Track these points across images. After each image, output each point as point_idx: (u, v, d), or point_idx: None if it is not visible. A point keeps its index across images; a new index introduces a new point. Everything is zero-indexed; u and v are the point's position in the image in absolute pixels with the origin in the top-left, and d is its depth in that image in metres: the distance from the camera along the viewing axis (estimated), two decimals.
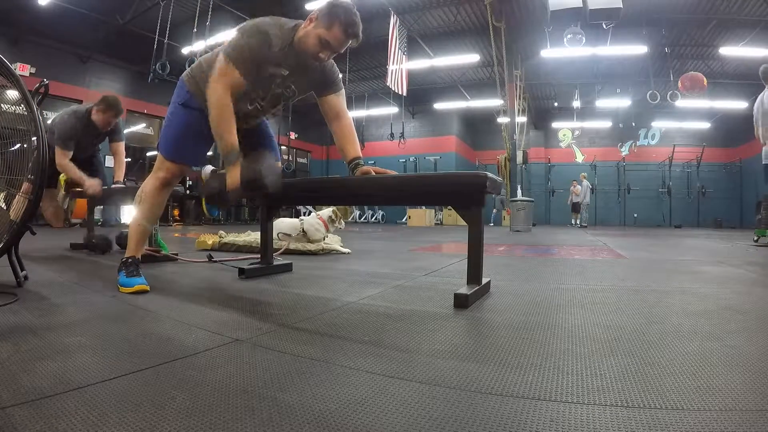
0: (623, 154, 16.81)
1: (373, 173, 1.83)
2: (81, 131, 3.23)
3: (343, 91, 1.99)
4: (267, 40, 1.66)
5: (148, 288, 1.72)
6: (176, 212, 10.77)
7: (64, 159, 3.12)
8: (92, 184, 3.12)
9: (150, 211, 1.90)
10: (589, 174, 16.14)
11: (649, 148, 16.63)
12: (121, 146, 3.60)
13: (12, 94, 1.76)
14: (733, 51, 9.91)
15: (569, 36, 8.38)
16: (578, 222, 13.54)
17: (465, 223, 1.70)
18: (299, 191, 2.36)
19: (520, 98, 11.90)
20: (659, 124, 16.16)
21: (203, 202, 2.40)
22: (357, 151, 1.94)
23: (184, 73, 1.91)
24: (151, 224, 1.96)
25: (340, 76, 2.00)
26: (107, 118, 3.28)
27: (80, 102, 9.93)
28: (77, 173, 3.13)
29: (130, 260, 1.82)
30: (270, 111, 1.97)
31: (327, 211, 3.81)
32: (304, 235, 3.61)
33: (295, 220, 3.75)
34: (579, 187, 13.67)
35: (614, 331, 1.25)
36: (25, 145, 1.77)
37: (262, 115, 1.98)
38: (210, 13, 7.99)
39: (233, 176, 1.63)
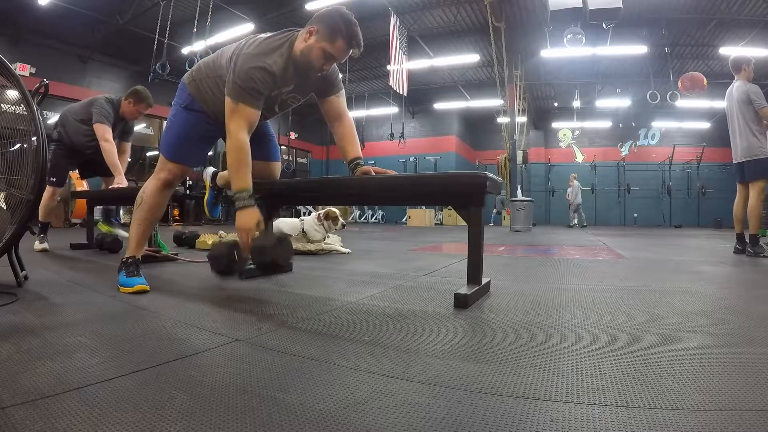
0: (623, 154, 16.80)
1: (373, 173, 1.83)
2: (113, 117, 3.31)
3: (343, 92, 1.99)
4: (266, 72, 1.64)
5: (148, 288, 1.73)
6: (176, 212, 10.77)
7: (108, 135, 3.20)
8: (121, 182, 3.19)
9: (151, 211, 1.90)
10: (589, 174, 16.14)
11: (649, 148, 16.62)
12: (128, 146, 3.68)
13: (12, 94, 1.76)
14: (733, 51, 9.90)
15: (569, 36, 8.37)
16: (576, 222, 13.55)
17: (465, 223, 1.70)
18: (299, 191, 2.36)
19: (520, 98, 11.90)
20: (659, 124, 16.15)
21: (204, 203, 2.40)
22: (357, 151, 1.94)
23: (185, 75, 1.92)
24: (152, 225, 1.96)
25: (340, 77, 2.01)
26: (140, 109, 3.39)
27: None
28: (116, 159, 3.19)
29: (130, 260, 1.83)
30: (274, 115, 1.99)
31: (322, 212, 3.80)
32: (304, 235, 3.61)
33: (295, 220, 3.75)
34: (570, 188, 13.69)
35: (614, 331, 1.25)
36: (25, 145, 1.77)
37: (266, 119, 1.99)
38: (210, 13, 7.99)
39: (244, 217, 1.59)
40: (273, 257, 1.57)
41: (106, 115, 3.24)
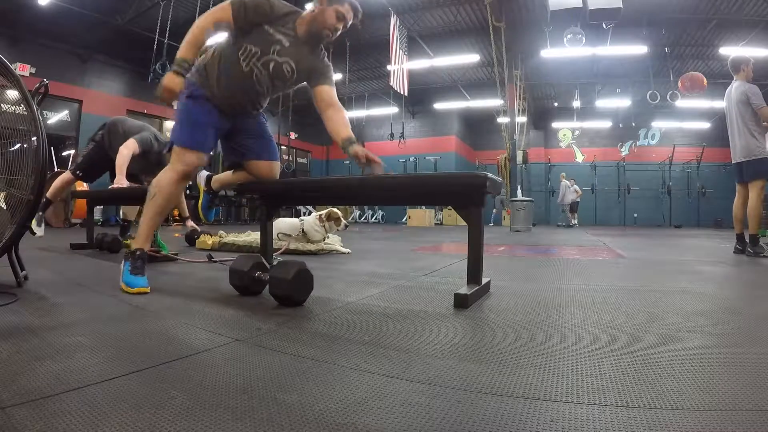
0: (623, 154, 16.80)
1: (364, 157, 1.86)
2: (153, 149, 3.47)
3: (334, 87, 2.09)
4: (270, 1, 1.85)
5: (149, 290, 1.73)
6: (176, 212, 10.75)
7: (129, 149, 3.33)
8: (120, 181, 3.29)
9: (167, 201, 1.88)
10: (589, 174, 16.13)
11: (649, 148, 16.62)
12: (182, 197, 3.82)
13: (12, 94, 1.76)
14: (733, 51, 9.90)
15: (569, 36, 8.38)
16: (575, 222, 13.57)
17: (465, 223, 1.70)
18: (299, 191, 2.36)
19: (520, 98, 11.90)
20: (659, 124, 16.15)
21: (199, 207, 2.40)
22: (350, 132, 1.99)
23: (186, 75, 1.93)
24: (163, 218, 1.97)
25: (332, 72, 2.09)
26: None
27: (80, 102, 9.94)
28: (123, 167, 3.30)
29: (138, 253, 1.82)
30: (269, 87, 1.98)
31: (323, 212, 3.80)
32: (304, 235, 3.61)
33: (295, 220, 3.75)
34: (576, 186, 13.67)
35: (614, 331, 1.25)
36: (25, 145, 1.77)
37: (262, 91, 1.98)
38: None
39: (172, 79, 1.80)
40: (289, 292, 1.51)
41: (144, 142, 3.41)
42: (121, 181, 3.23)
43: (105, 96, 10.40)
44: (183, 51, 1.83)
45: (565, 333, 1.23)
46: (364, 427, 0.67)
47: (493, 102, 13.49)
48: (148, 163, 3.54)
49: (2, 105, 1.79)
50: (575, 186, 13.77)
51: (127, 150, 3.30)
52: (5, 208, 1.75)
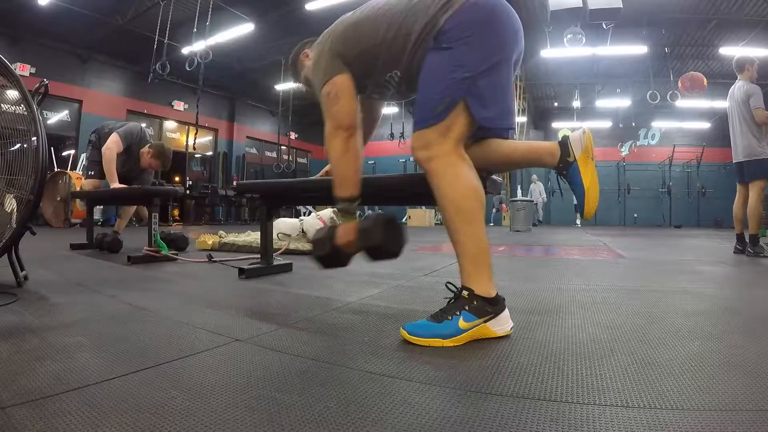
0: (623, 154, 16.79)
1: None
2: (134, 146, 3.48)
3: None
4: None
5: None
6: (176, 212, 10.77)
7: (113, 145, 3.35)
8: (89, 183, 3.37)
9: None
10: None
11: (649, 148, 16.61)
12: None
13: (12, 94, 1.76)
14: (733, 51, 9.90)
15: (569, 36, 8.37)
16: (577, 223, 13.58)
17: None
18: (299, 191, 2.36)
19: (520, 98, 11.90)
20: (659, 124, 16.15)
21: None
22: None
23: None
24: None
25: None
26: (152, 164, 3.52)
27: (80, 102, 9.95)
28: (113, 171, 3.33)
29: (478, 303, 1.18)
30: None
31: (327, 212, 3.80)
32: (304, 235, 3.61)
33: (295, 220, 3.76)
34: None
35: (614, 331, 1.25)
36: (25, 145, 1.77)
37: None
38: (210, 13, 7.98)
39: (347, 230, 1.33)
40: (379, 242, 1.32)
41: (127, 136, 3.40)
42: (91, 183, 3.30)
43: (105, 96, 10.40)
44: (343, 188, 1.42)
45: (565, 333, 1.23)
46: (364, 427, 0.67)
47: None
48: (131, 159, 3.54)
49: (2, 105, 1.79)
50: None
51: (109, 151, 3.31)
52: (6, 208, 1.75)
